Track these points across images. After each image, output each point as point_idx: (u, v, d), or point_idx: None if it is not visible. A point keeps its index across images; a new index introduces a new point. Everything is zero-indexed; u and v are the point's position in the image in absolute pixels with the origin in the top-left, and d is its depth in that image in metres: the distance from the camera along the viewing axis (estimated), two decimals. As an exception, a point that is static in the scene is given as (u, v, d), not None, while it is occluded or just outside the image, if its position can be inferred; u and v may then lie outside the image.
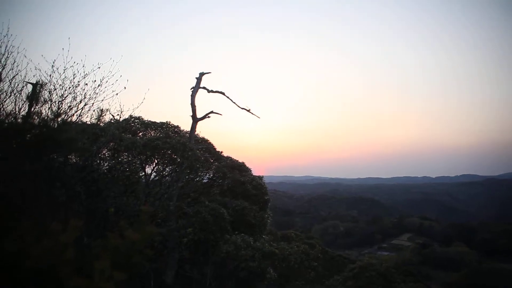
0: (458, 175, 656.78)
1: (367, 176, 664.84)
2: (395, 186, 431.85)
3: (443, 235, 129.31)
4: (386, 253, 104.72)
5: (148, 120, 15.91)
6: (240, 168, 16.88)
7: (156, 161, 13.73)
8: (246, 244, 11.09)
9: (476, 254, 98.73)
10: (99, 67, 9.26)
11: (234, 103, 15.46)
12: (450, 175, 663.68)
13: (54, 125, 8.57)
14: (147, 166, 13.89)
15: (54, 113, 8.56)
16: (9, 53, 8.01)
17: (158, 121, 16.19)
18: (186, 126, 16.25)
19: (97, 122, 11.49)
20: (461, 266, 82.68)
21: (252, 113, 15.64)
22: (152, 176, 13.87)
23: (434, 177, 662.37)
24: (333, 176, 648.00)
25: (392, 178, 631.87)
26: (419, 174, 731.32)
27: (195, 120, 14.66)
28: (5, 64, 8.12)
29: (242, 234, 11.74)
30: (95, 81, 9.32)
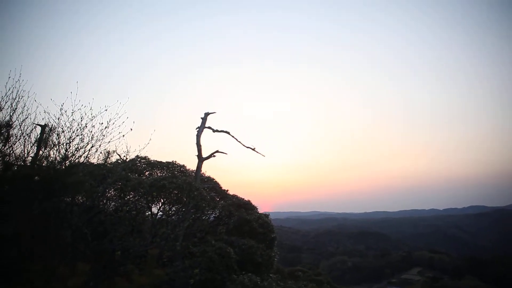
0: (466, 206, 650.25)
1: (374, 210, 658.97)
2: (402, 220, 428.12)
3: (453, 269, 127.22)
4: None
5: (154, 160, 16.05)
6: (246, 206, 16.87)
7: (162, 200, 13.76)
8: (253, 284, 10.97)
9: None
10: (106, 110, 9.46)
11: (239, 142, 15.61)
12: (458, 207, 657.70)
13: (62, 168, 8.69)
14: (153, 205, 13.92)
15: (62, 156, 8.69)
16: (20, 97, 8.23)
17: (164, 160, 16.32)
18: (192, 165, 16.38)
19: (104, 163, 11.63)
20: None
21: (257, 152, 15.76)
22: (158, 216, 13.88)
23: (441, 209, 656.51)
24: (339, 211, 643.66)
25: (399, 211, 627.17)
26: (427, 206, 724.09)
27: (201, 159, 14.79)
28: (15, 108, 8.32)
29: (249, 274, 11.62)
30: (102, 123, 9.49)
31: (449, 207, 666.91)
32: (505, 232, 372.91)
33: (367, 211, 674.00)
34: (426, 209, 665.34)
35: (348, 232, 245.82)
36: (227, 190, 17.74)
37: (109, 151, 10.77)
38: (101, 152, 10.57)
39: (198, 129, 15.24)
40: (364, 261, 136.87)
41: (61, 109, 8.78)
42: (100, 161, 11.18)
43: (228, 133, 15.55)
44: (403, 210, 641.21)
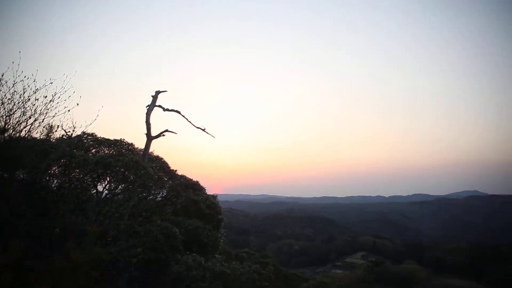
0: (410, 194, 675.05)
1: (323, 195, 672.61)
2: (349, 206, 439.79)
3: (395, 253, 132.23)
4: (340, 271, 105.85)
5: (102, 137, 15.66)
6: (194, 187, 16.82)
7: (108, 178, 13.50)
8: (197, 264, 10.99)
9: (426, 271, 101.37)
10: (51, 83, 9.11)
11: (190, 122, 15.44)
12: (403, 195, 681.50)
13: (0, 141, 8.33)
14: (99, 184, 13.64)
15: (1, 129, 8.33)
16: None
17: (112, 138, 15.97)
18: (140, 144, 16.10)
19: (48, 138, 11.24)
20: (411, 283, 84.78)
21: (207, 133, 15.66)
22: (104, 194, 13.62)
23: (387, 196, 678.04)
24: (289, 195, 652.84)
25: (347, 197, 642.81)
26: (373, 193, 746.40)
27: (150, 138, 14.55)
28: None
29: (194, 254, 11.63)
30: (46, 96, 9.15)
31: (394, 195, 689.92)
32: (445, 219, 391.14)
33: (316, 196, 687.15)
34: (373, 196, 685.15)
35: (297, 216, 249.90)
36: (176, 170, 17.60)
37: (52, 125, 10.43)
38: (44, 127, 10.21)
39: (148, 107, 14.95)
40: (311, 245, 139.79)
41: (0, 80, 8.40)
42: (43, 136, 10.81)
43: (179, 112, 15.35)
44: (350, 196, 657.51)
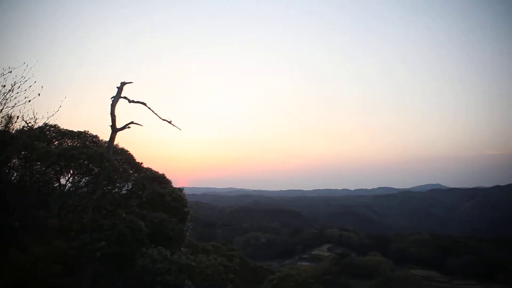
0: (376, 188, 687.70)
1: (289, 189, 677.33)
2: (316, 199, 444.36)
3: (360, 245, 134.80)
4: (306, 264, 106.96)
5: (65, 128, 15.31)
6: (160, 180, 16.65)
7: (71, 171, 13.21)
8: (162, 257, 10.90)
9: (390, 263, 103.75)
10: (11, 72, 8.82)
11: (156, 114, 15.26)
12: (368, 188, 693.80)
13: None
14: (62, 176, 13.33)
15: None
16: None
17: (75, 130, 15.63)
18: (105, 136, 15.80)
19: (7, 129, 10.90)
20: (376, 274, 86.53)
21: (173, 125, 15.51)
22: (67, 187, 13.34)
23: (353, 189, 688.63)
24: (255, 188, 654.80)
25: (313, 190, 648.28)
26: (339, 187, 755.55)
27: (115, 130, 14.29)
28: None
29: (160, 247, 11.52)
30: (5, 86, 8.85)
31: (360, 188, 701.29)
32: (409, 212, 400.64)
33: (283, 189, 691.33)
34: (339, 189, 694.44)
35: (263, 209, 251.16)
36: (142, 163, 17.40)
37: (12, 116, 10.13)
38: (3, 117, 9.91)
39: (113, 98, 14.67)
40: (278, 237, 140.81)
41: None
42: (2, 127, 10.49)
43: (145, 104, 15.13)
44: (317, 190, 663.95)
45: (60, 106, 10.79)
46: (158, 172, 17.50)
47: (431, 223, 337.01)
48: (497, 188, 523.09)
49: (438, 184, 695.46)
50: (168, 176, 17.71)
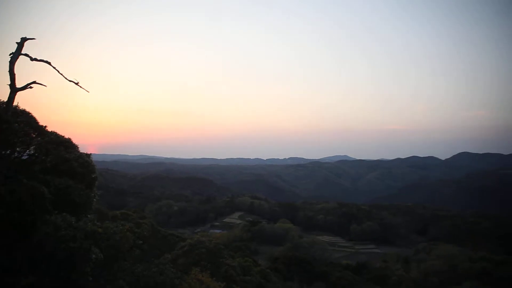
0: (287, 158, 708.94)
1: (202, 157, 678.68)
2: (228, 167, 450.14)
3: (271, 213, 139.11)
4: (218, 231, 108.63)
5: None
6: (66, 145, 15.78)
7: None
8: (67, 224, 10.41)
9: (299, 229, 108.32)
10: None
11: (61, 74, 14.32)
12: (280, 158, 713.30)
13: None
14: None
15: None
16: None
17: (-33, 88, 14.33)
18: (3, 96, 14.66)
19: None
20: (285, 240, 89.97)
21: (80, 87, 14.68)
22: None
23: (265, 159, 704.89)
24: (168, 156, 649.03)
25: (226, 159, 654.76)
26: (252, 156, 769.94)
27: (14, 90, 13.24)
28: None
29: (64, 214, 10.98)
30: None
31: (271, 158, 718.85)
32: (318, 181, 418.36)
33: (196, 157, 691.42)
34: (251, 158, 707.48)
35: (176, 177, 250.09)
36: (45, 127, 16.34)
37: None
38: None
39: (12, 55, 13.51)
40: (190, 205, 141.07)
41: None
42: None
43: (49, 63, 14.11)
44: (230, 158, 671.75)
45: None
46: (64, 136, 16.57)
47: (338, 192, 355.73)
48: (398, 160, 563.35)
49: (345, 156, 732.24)
50: (75, 142, 16.87)
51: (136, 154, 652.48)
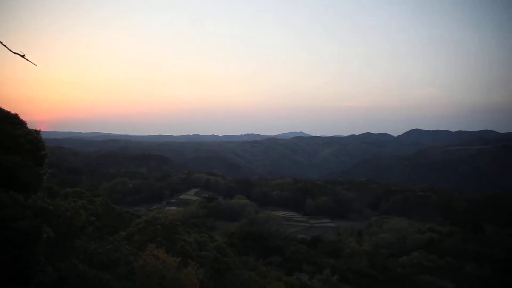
0: (243, 134, 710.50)
1: (158, 134, 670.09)
2: (184, 144, 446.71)
3: (227, 189, 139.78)
4: (174, 208, 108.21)
5: None
6: (12, 120, 15.18)
7: None
8: (14, 203, 10.07)
9: (255, 205, 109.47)
10: None
11: (5, 46, 13.64)
12: (236, 134, 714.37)
13: None
14: None
15: None
16: None
17: None
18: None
19: None
20: (241, 216, 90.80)
21: (27, 59, 14.02)
22: None
23: (221, 135, 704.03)
24: (122, 133, 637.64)
25: (182, 136, 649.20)
26: (208, 132, 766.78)
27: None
28: None
29: (11, 192, 10.61)
30: None
31: (228, 134, 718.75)
32: (273, 158, 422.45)
33: (151, 134, 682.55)
34: (208, 135, 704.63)
35: (131, 154, 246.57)
36: (-10, 102, 15.64)
37: None
38: None
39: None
40: (145, 183, 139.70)
41: None
42: None
43: (-9, 35, 13.40)
44: (186, 135, 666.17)
45: None
46: (10, 112, 15.92)
47: (293, 168, 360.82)
48: (352, 137, 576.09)
49: (301, 132, 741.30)
50: (23, 118, 16.23)
51: (90, 131, 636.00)
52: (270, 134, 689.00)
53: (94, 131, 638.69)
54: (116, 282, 12.95)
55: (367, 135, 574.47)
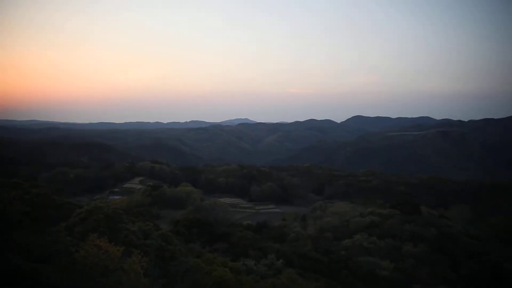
0: (188, 121, 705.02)
1: (99, 121, 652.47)
2: (128, 131, 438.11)
3: (172, 177, 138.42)
4: (118, 197, 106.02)
5: None
6: None
7: None
8: None
9: (200, 192, 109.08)
10: None
11: None
12: (181, 121, 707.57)
13: None
14: None
15: None
16: None
17: None
18: None
19: None
20: (187, 204, 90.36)
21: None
22: None
23: (165, 122, 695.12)
24: (62, 121, 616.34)
25: (125, 123, 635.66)
26: (152, 120, 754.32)
27: None
28: None
29: None
30: None
31: (172, 121, 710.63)
32: (219, 144, 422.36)
33: (93, 121, 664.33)
34: (151, 122, 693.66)
35: (72, 143, 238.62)
36: None
37: None
38: None
39: None
40: (87, 172, 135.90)
41: None
42: None
43: None
44: (129, 122, 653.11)
45: None
46: None
47: (239, 155, 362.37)
48: (296, 123, 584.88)
49: (246, 119, 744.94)
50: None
51: (27, 119, 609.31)
52: (215, 121, 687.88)
53: (32, 119, 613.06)
54: (57, 274, 12.62)
55: (311, 121, 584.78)
